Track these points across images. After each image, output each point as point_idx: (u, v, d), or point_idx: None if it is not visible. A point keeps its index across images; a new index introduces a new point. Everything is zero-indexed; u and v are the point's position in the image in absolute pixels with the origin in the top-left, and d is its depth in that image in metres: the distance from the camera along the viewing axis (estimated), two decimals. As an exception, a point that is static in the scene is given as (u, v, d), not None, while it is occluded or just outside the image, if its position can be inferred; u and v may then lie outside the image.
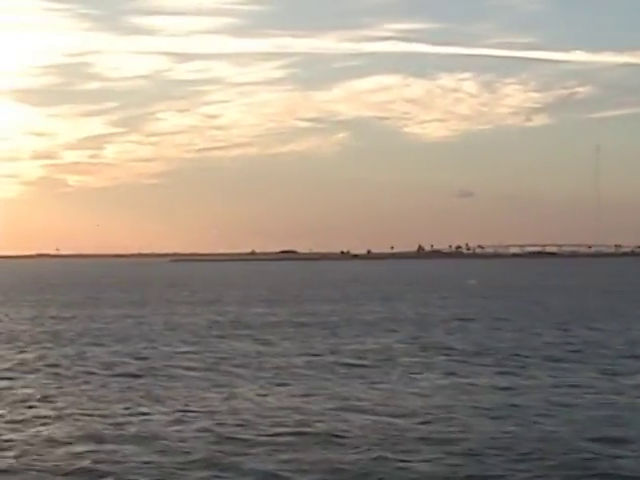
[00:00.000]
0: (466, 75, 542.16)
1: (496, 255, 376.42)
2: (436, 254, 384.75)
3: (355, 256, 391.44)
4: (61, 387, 26.58)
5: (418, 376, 28.08)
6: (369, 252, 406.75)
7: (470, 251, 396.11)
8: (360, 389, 25.58)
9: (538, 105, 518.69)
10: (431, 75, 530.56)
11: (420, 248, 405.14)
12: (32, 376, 29.03)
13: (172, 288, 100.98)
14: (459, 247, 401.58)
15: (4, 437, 19.52)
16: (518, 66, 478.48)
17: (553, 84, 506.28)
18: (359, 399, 23.83)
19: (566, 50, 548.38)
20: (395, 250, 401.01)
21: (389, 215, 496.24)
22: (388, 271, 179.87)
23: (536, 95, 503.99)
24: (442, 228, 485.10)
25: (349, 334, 42.34)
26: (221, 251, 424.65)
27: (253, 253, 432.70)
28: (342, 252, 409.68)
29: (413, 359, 32.36)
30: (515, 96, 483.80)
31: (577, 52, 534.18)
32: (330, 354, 34.31)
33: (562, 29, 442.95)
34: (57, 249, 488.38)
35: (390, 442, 18.64)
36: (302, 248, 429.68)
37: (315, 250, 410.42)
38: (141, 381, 27.54)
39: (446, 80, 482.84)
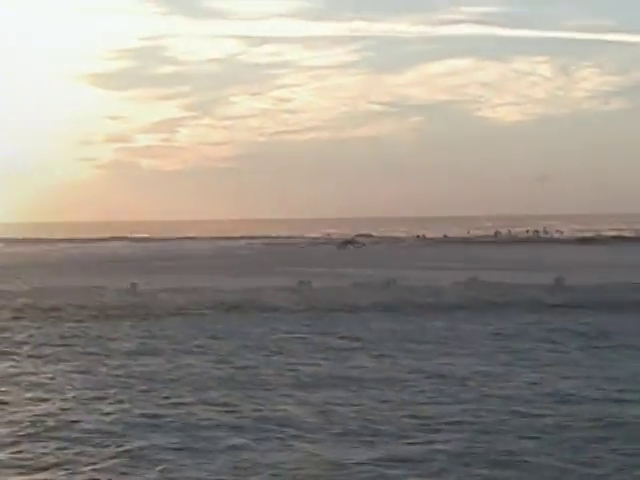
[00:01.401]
0: (541, 58, 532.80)
1: (575, 240, 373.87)
2: (513, 238, 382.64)
3: (431, 240, 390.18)
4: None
5: None
6: (445, 236, 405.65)
7: (548, 235, 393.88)
8: None
9: (616, 89, 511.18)
10: (505, 58, 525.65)
11: (497, 232, 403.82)
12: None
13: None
14: (537, 231, 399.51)
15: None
16: (596, 49, 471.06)
17: (632, 67, 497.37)
18: None
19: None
20: (471, 234, 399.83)
21: (464, 199, 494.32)
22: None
23: (614, 79, 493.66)
24: (518, 212, 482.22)
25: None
26: (295, 234, 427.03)
27: (328, 237, 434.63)
28: (417, 236, 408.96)
29: None
30: (592, 80, 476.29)
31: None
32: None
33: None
34: (130, 232, 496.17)
35: None
36: (377, 232, 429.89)
37: (389, 234, 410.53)
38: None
39: (521, 63, 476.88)
